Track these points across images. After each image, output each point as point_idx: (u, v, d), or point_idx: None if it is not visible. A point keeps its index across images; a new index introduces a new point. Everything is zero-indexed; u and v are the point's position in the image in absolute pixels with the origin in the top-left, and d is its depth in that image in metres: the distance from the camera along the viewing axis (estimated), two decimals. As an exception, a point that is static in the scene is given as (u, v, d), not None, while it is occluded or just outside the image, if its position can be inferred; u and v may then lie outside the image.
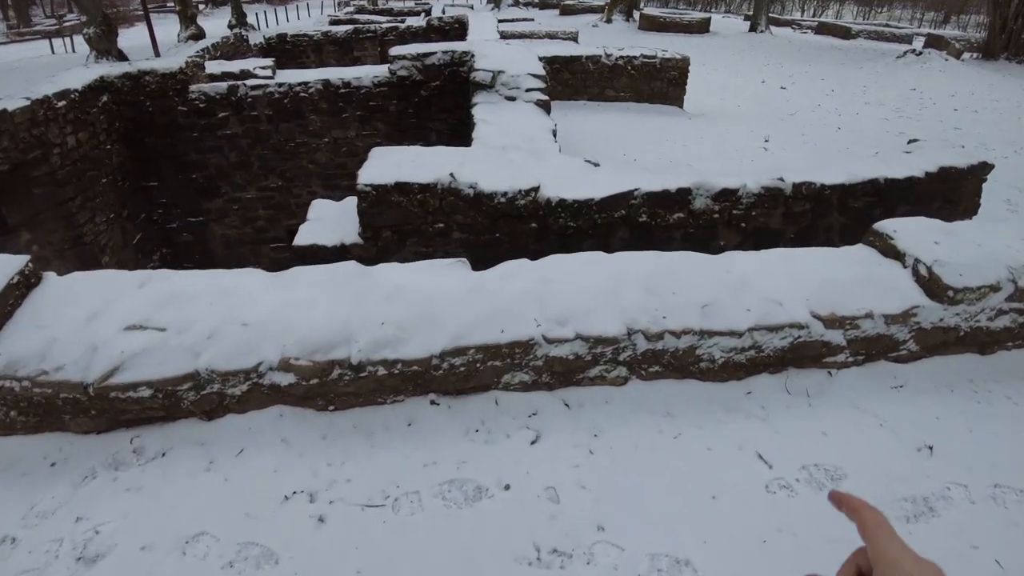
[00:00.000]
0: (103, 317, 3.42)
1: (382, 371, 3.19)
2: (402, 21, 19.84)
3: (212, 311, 3.43)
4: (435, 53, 8.19)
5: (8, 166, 6.35)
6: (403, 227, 5.26)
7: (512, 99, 6.84)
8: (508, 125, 6.23)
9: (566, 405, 3.42)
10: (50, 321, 3.43)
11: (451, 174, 5.06)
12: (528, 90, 6.89)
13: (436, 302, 3.43)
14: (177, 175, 8.70)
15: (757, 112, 11.49)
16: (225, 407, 3.33)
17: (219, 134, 8.42)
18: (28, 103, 6.63)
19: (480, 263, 5.62)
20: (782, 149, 8.94)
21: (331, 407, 3.36)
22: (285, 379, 3.20)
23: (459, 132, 8.62)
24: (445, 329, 3.28)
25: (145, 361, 3.21)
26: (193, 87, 8.16)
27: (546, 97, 6.87)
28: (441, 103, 8.42)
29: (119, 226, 8.20)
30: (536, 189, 5.11)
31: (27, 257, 3.64)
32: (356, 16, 21.69)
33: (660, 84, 10.80)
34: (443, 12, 23.14)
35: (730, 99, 12.57)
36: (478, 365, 3.28)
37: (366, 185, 5.04)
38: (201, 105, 8.19)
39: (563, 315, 3.35)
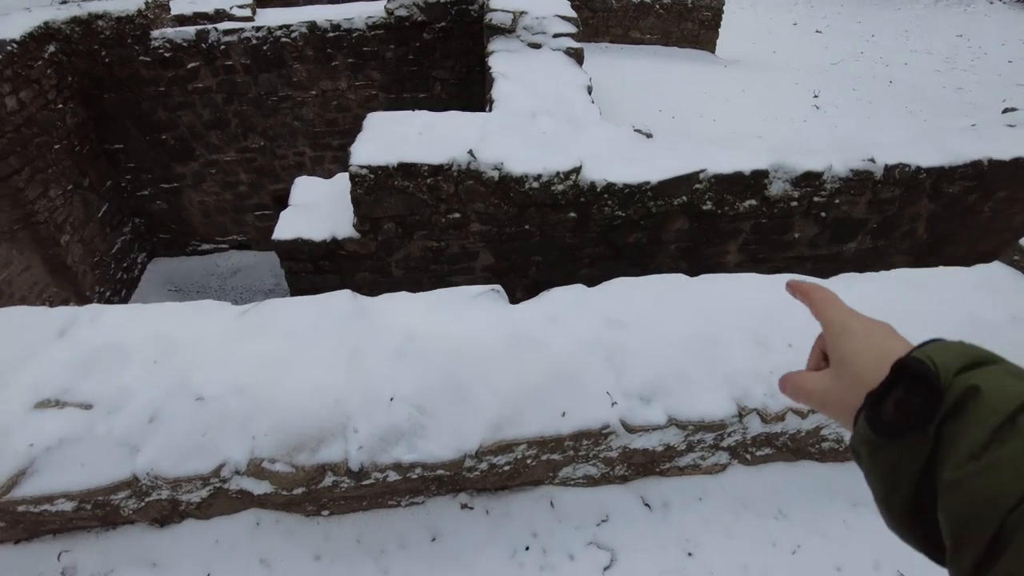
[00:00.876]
0: (7, 387, 2.48)
1: (394, 476, 2.26)
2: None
3: (155, 375, 2.48)
4: (439, -11, 6.95)
5: (-73, 139, 5.24)
6: (409, 217, 4.25)
7: (537, 46, 5.69)
8: (534, 81, 5.12)
9: (646, 505, 2.52)
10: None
11: (470, 152, 4.02)
12: (556, 35, 5.74)
13: (465, 361, 2.48)
14: (144, 136, 7.53)
15: (796, 59, 10.23)
16: (182, 512, 2.43)
17: (189, 88, 7.22)
18: (-50, 58, 5.45)
19: (504, 260, 4.65)
20: (834, 107, 7.80)
21: (325, 511, 2.46)
22: (258, 487, 2.28)
23: (467, 82, 7.46)
24: (481, 409, 2.33)
25: (64, 460, 2.29)
26: (155, 33, 6.91)
27: (578, 45, 5.71)
28: (446, 48, 7.21)
29: (80, 198, 7.09)
30: (577, 171, 4.08)
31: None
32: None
33: (691, 26, 9.49)
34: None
35: (763, 43, 11.25)
36: (529, 461, 2.36)
37: (361, 167, 4.00)
38: (166, 54, 6.96)
39: (647, 385, 2.40)
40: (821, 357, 0.78)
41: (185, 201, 8.19)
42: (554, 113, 4.65)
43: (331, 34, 7.05)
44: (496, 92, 4.95)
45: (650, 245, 4.47)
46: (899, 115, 7.68)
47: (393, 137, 4.19)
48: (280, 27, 6.99)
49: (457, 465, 2.26)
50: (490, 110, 4.96)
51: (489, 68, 5.38)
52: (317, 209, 4.58)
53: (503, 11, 5.74)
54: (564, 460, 2.41)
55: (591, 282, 4.71)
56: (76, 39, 6.82)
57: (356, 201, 4.13)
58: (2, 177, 6.03)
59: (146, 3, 6.94)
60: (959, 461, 0.52)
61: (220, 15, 8.33)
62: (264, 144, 7.74)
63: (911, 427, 0.56)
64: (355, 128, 7.65)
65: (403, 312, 2.76)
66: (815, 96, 8.04)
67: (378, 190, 4.08)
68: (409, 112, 4.51)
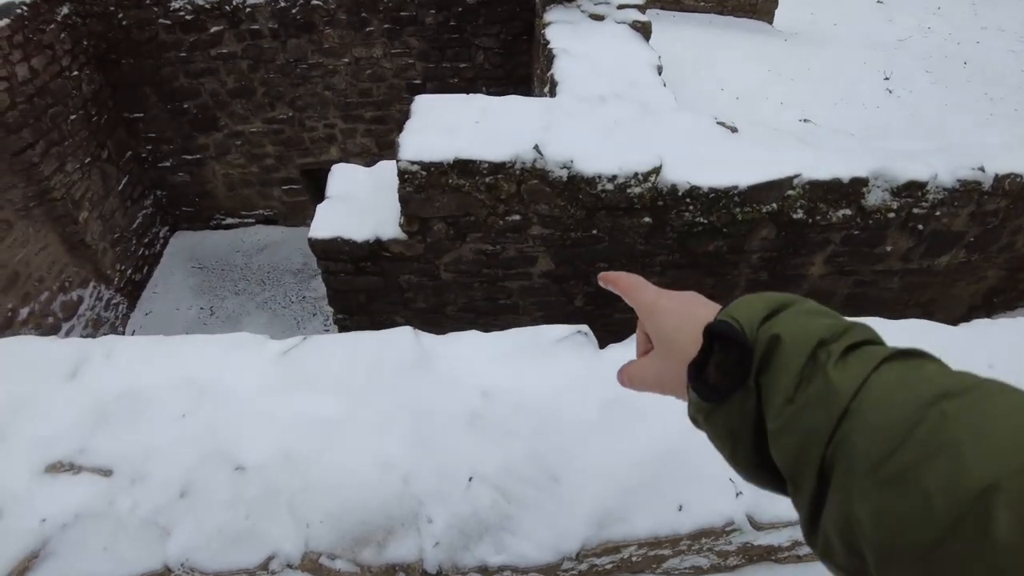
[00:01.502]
0: (12, 442, 2.11)
1: (477, 579, 1.87)
2: None
3: (185, 434, 2.09)
4: (486, -51, 6.35)
5: (-66, 114, 4.78)
6: (462, 219, 3.80)
7: (599, 18, 5.13)
8: (599, 60, 4.59)
9: (763, 601, 2.12)
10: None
11: (536, 147, 3.54)
12: (621, 6, 5.16)
13: (553, 431, 2.07)
14: (165, 104, 7.05)
15: (859, 34, 9.44)
16: (220, 596, 2.06)
17: (213, 54, 6.71)
18: (-47, 27, 4.94)
19: (566, 265, 4.18)
20: (908, 91, 7.15)
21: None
22: (314, 584, 1.89)
23: (513, 51, 6.88)
24: (578, 496, 1.92)
25: (83, 541, 1.93)
26: (176, -8, 6.40)
27: (645, 18, 5.14)
28: (491, 13, 6.62)
29: (98, 171, 6.67)
30: (656, 171, 3.60)
31: None
32: None
33: (750, -7, 8.76)
34: None
35: (823, 14, 10.40)
36: (635, 559, 1.96)
37: (412, 162, 3.55)
38: (187, 17, 6.43)
39: (778, 472, 1.98)
40: (647, 340, 0.77)
41: (209, 173, 7.76)
42: (625, 98, 4.14)
43: (366, -4, 6.49)
44: (559, 71, 4.43)
45: (731, 254, 4.00)
46: (979, 102, 7.04)
47: (446, 126, 3.71)
48: (311, -12, 6.44)
49: (554, 568, 1.86)
50: (552, 93, 4.45)
51: (547, 43, 4.84)
52: (357, 202, 4.14)
53: (562, -22, 5.17)
54: (674, 554, 2.00)
55: (658, 292, 4.27)
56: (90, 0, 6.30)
57: (404, 200, 3.68)
58: (15, 152, 5.60)
59: (166, -41, 6.40)
60: (778, 408, 0.54)
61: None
62: (292, 115, 7.24)
63: (733, 386, 0.57)
64: (390, 98, 7.16)
65: (474, 360, 2.33)
66: (886, 79, 7.39)
67: (429, 188, 3.62)
68: (462, 96, 4.02)
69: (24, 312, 5.96)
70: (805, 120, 6.15)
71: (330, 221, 3.97)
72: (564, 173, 3.55)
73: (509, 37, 6.79)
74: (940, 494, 0.40)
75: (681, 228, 3.82)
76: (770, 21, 9.06)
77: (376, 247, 3.92)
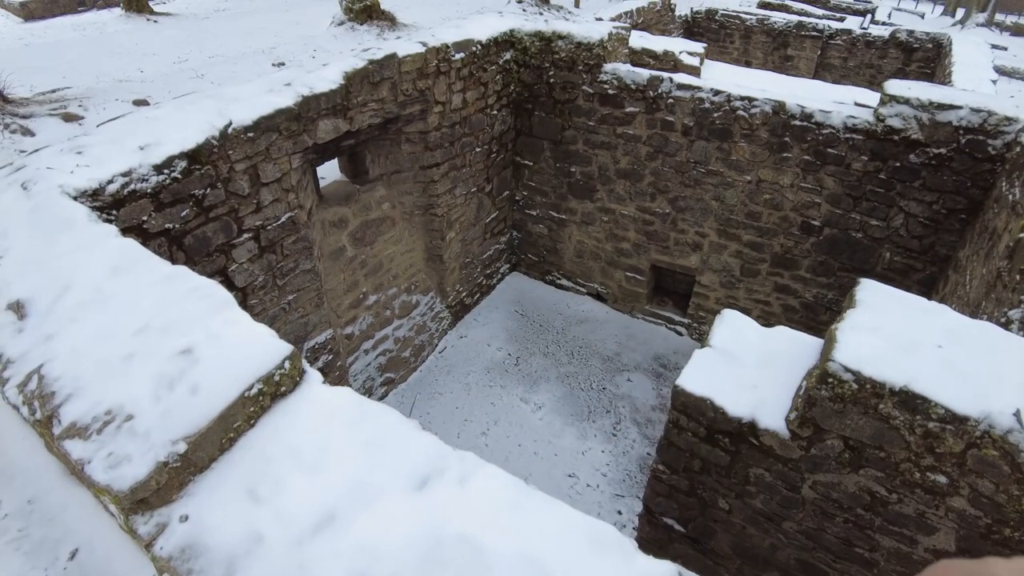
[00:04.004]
0: (340, 535, 1.95)
1: None
2: (841, 19, 16.34)
3: None
4: (960, 108, 5.37)
5: (380, 119, 5.36)
6: (868, 450, 3.03)
7: (1107, 249, 3.96)
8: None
9: None
10: (270, 492, 2.10)
11: (1017, 415, 2.65)
12: None
13: None
14: (555, 162, 7.29)
15: None
16: None
17: (618, 131, 6.72)
18: (423, 50, 5.55)
19: (973, 556, 3.21)
20: None
21: None
22: None
23: (941, 227, 5.75)
24: None
25: None
26: (608, 67, 6.48)
27: None
28: (934, 179, 5.58)
29: (476, 201, 7.14)
30: None
31: (287, 352, 2.28)
32: (786, 2, 18.40)
33: None
34: (889, 19, 18.87)
35: None
36: None
37: (846, 369, 2.87)
38: (610, 91, 6.51)
39: None
40: None
41: (565, 235, 7.90)
42: None
43: (797, 122, 5.96)
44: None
45: None
46: None
47: (900, 337, 2.97)
48: (741, 98, 6.09)
49: None
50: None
51: (1031, 257, 3.83)
52: (740, 365, 3.58)
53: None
54: None
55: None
56: (532, 53, 6.85)
57: (810, 401, 3.03)
58: (424, 166, 6.21)
59: (609, 35, 6.55)
60: None
61: (668, 58, 7.80)
62: (669, 212, 6.99)
63: None
64: (776, 230, 6.46)
65: None
66: None
67: (850, 403, 2.92)
68: (923, 302, 3.24)
69: (372, 299, 6.51)
70: None
71: (706, 376, 3.47)
72: (1047, 463, 2.61)
73: (943, 211, 5.73)
74: None
75: None
76: None
77: (746, 429, 3.32)
